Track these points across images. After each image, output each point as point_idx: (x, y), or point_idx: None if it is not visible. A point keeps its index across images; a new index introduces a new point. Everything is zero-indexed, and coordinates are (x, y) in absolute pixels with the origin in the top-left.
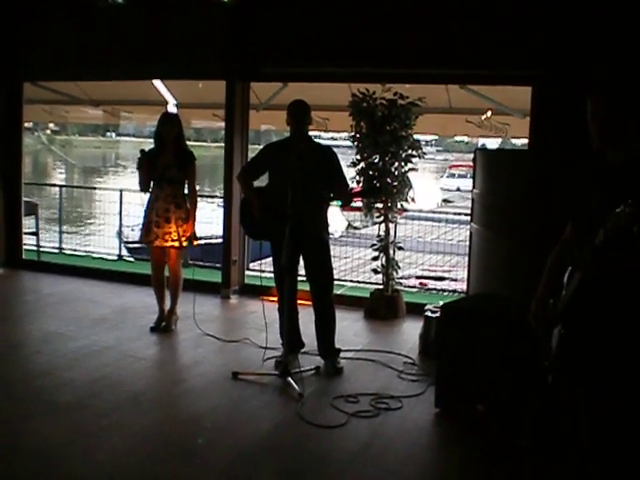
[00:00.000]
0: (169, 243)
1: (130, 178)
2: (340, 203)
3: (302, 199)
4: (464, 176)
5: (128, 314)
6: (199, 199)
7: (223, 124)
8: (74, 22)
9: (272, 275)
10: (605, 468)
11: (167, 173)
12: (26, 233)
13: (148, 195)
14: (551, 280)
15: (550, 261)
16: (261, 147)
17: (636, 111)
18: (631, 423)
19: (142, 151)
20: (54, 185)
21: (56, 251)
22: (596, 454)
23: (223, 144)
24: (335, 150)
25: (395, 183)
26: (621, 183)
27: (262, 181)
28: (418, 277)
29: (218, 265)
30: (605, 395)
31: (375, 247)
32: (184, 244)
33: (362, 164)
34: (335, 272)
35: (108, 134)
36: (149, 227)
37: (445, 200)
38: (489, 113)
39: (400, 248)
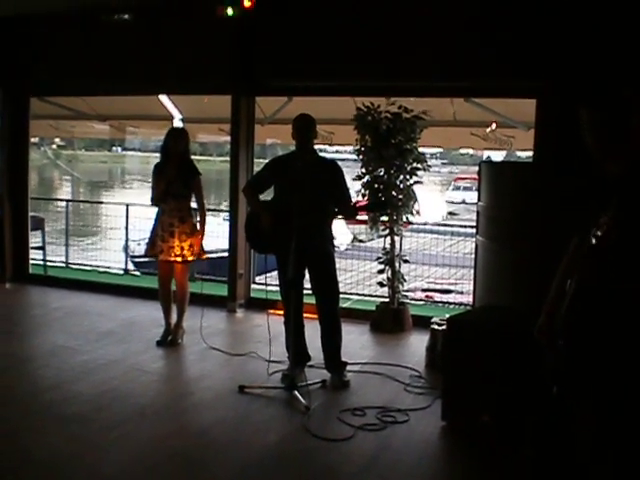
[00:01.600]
0: (173, 257)
1: (136, 192)
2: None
3: (307, 213)
4: (469, 189)
5: (135, 328)
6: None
7: (229, 138)
8: (80, 38)
9: (278, 288)
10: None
11: (172, 187)
12: (33, 248)
13: (157, 209)
14: (558, 294)
15: (557, 275)
16: (266, 161)
17: (630, 123)
18: (630, 431)
19: (156, 165)
20: (60, 200)
21: (63, 265)
22: (599, 464)
23: (229, 158)
24: (340, 163)
25: (400, 196)
26: (617, 193)
27: (267, 195)
28: (424, 290)
29: (224, 279)
30: (603, 404)
31: (381, 260)
32: (189, 258)
33: (367, 177)
34: (341, 285)
35: (114, 149)
36: (155, 241)
37: (451, 213)
38: (494, 126)
39: (406, 261)
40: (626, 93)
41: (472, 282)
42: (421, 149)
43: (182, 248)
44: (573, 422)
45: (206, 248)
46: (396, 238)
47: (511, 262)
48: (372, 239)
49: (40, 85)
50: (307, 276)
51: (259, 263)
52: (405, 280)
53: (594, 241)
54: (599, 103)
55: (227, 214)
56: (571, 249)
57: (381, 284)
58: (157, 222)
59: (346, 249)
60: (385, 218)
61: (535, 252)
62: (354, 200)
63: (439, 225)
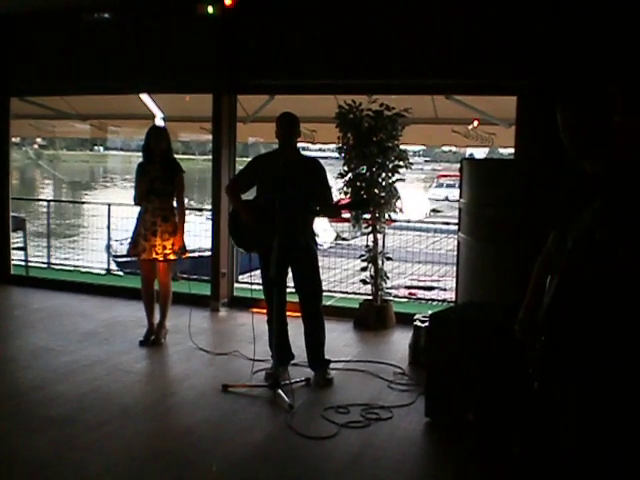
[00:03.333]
0: (155, 256)
1: (118, 192)
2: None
3: (290, 211)
4: (452, 186)
5: (117, 328)
6: (187, 212)
7: (210, 137)
8: (60, 37)
9: (261, 287)
10: (596, 473)
11: (155, 186)
12: (14, 248)
13: (139, 208)
14: (536, 289)
15: (535, 270)
16: (249, 159)
17: (606, 121)
18: (615, 425)
19: (139, 164)
20: (42, 200)
21: (44, 266)
22: (584, 460)
23: (211, 157)
24: (323, 162)
25: (383, 194)
26: (597, 192)
27: (250, 194)
28: (407, 287)
29: (207, 278)
30: (587, 399)
31: (364, 258)
32: (171, 257)
33: (349, 175)
34: (324, 283)
35: (96, 148)
36: (137, 240)
37: (434, 210)
38: (475, 123)
39: (389, 258)
40: (611, 89)
41: (455, 279)
42: (403, 147)
43: (164, 247)
44: (555, 417)
45: (189, 247)
46: (379, 236)
47: (493, 258)
48: (356, 237)
49: (20, 85)
50: (290, 274)
51: (242, 262)
52: (388, 277)
53: (578, 240)
54: (576, 103)
55: (210, 213)
56: (549, 244)
57: (364, 282)
58: (139, 221)
59: (329, 247)
60: (368, 216)
61: (516, 248)
62: (336, 199)
63: (422, 222)
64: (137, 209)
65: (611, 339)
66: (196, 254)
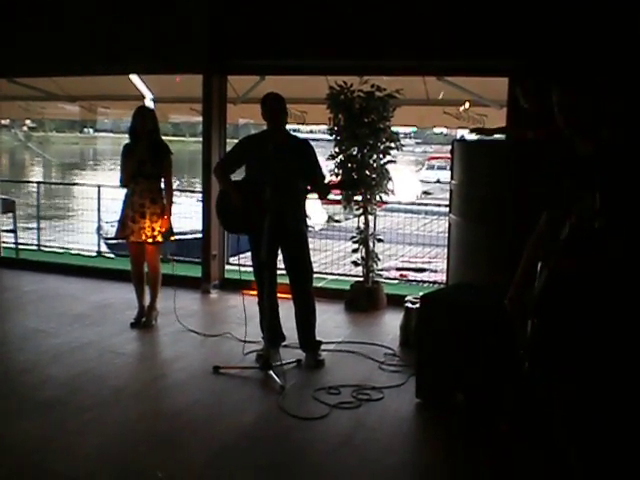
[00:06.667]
0: (143, 238)
1: (108, 174)
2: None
3: (280, 192)
4: (443, 168)
5: (108, 310)
6: (177, 193)
7: (201, 118)
8: (48, 17)
9: (251, 269)
10: (582, 452)
11: (143, 168)
12: (4, 231)
13: (126, 190)
14: (528, 267)
15: (527, 248)
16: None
17: (601, 103)
18: (601, 407)
19: (125, 145)
20: (32, 182)
21: (35, 248)
22: (572, 439)
23: (201, 138)
24: (314, 143)
25: (374, 175)
26: (589, 175)
27: (238, 174)
28: (398, 269)
29: (198, 260)
30: (576, 382)
31: (355, 240)
32: (159, 239)
33: (341, 157)
34: (316, 265)
35: (86, 130)
36: (125, 222)
37: (425, 192)
38: (467, 104)
39: (380, 240)
40: (600, 78)
41: (445, 260)
42: (395, 128)
43: (153, 229)
44: (546, 397)
45: (179, 229)
46: (370, 217)
47: (484, 240)
48: (348, 219)
49: (9, 66)
50: (280, 256)
51: (233, 244)
52: (379, 259)
53: (575, 225)
54: (571, 85)
55: (200, 195)
56: (541, 225)
57: (355, 263)
58: (127, 203)
59: (321, 229)
60: (359, 198)
61: (507, 229)
62: (327, 179)
63: (413, 204)
64: (125, 191)
65: (600, 328)
66: (190, 237)
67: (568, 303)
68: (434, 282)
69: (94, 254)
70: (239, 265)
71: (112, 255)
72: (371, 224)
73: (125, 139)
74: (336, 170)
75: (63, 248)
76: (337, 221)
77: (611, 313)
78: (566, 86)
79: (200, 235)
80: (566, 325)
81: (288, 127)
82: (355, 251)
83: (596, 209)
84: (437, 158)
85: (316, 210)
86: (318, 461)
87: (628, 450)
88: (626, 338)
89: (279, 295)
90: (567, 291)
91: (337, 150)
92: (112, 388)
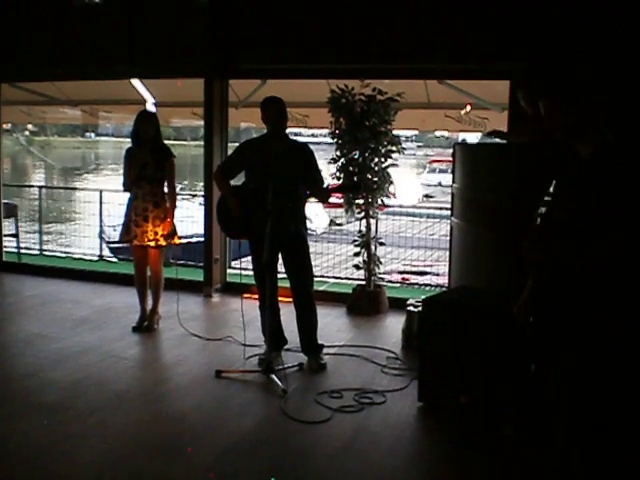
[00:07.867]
0: (146, 242)
1: (110, 178)
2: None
3: (281, 196)
4: (445, 171)
5: (110, 314)
6: (179, 197)
7: (202, 122)
8: (51, 22)
9: (252, 273)
10: (584, 452)
11: (145, 172)
12: (6, 235)
13: (129, 194)
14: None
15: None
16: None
17: (590, 107)
18: (600, 407)
19: (127, 149)
20: (33, 186)
21: (37, 253)
22: (574, 440)
23: (203, 142)
24: (315, 147)
25: (375, 179)
26: (588, 178)
27: (238, 179)
28: (400, 272)
29: (200, 264)
30: (576, 382)
31: (357, 243)
32: (162, 243)
33: (342, 160)
34: (317, 269)
35: (87, 134)
36: (129, 226)
37: (426, 195)
38: (468, 108)
39: (382, 244)
40: (581, 82)
41: (447, 264)
42: (396, 131)
43: (156, 233)
44: (548, 398)
45: (181, 233)
46: (372, 221)
47: (486, 243)
48: (350, 222)
49: (11, 71)
50: (280, 260)
51: (234, 247)
52: (381, 263)
53: (558, 221)
54: (551, 94)
55: (202, 199)
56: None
57: (357, 267)
58: (130, 207)
59: (323, 232)
60: (361, 201)
61: (508, 232)
62: (327, 183)
63: (415, 208)
64: (127, 195)
65: (591, 325)
66: (194, 240)
67: (559, 298)
68: (436, 285)
69: (96, 258)
70: (241, 269)
71: (115, 259)
72: (373, 227)
73: (127, 143)
74: (337, 174)
75: (65, 252)
76: (339, 224)
77: (608, 309)
78: (546, 95)
79: (202, 239)
80: (562, 322)
81: (289, 131)
82: (357, 254)
83: (581, 205)
84: (439, 161)
85: (318, 213)
86: (320, 465)
87: (628, 450)
88: (625, 338)
89: (280, 298)
90: (554, 288)
91: (338, 154)
92: (114, 392)
